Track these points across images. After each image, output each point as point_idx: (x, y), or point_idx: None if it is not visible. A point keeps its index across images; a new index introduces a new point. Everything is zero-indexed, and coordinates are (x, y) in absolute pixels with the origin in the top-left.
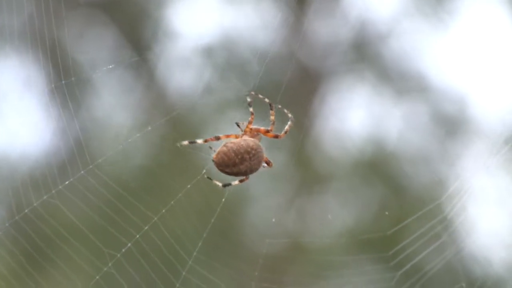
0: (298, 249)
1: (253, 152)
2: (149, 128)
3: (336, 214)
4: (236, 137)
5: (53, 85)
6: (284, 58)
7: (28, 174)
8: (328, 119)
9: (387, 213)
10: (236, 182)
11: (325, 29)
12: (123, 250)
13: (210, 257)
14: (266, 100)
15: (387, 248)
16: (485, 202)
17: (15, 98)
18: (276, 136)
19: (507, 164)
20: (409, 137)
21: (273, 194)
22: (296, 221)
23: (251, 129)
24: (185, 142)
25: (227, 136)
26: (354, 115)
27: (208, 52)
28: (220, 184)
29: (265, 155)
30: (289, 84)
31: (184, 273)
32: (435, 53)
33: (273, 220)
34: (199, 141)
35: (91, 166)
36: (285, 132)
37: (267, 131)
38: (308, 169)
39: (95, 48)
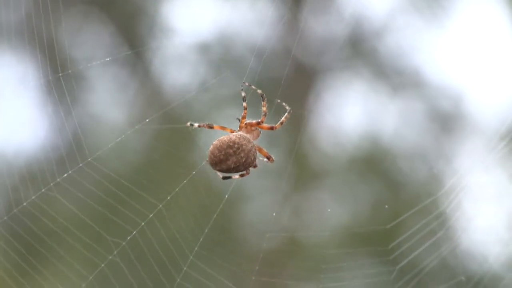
0: (297, 243)
1: (236, 146)
2: (147, 120)
3: (334, 209)
4: (232, 131)
5: (50, 77)
6: (280, 54)
7: (26, 168)
8: (324, 116)
9: (386, 206)
10: (237, 176)
11: (320, 26)
12: (125, 242)
13: (211, 252)
14: (259, 91)
15: (386, 242)
16: (481, 198)
17: (11, 93)
18: (272, 128)
19: (503, 160)
20: (405, 133)
21: (272, 190)
22: (295, 216)
23: (245, 124)
24: (188, 124)
25: (222, 127)
26: (350, 112)
27: (205, 48)
28: (220, 176)
29: (265, 150)
30: (285, 80)
31: (185, 268)
32: (431, 49)
33: (274, 214)
34: (196, 124)
35: (89, 159)
36: (281, 123)
37: (259, 123)
38: (304, 165)
39: (92, 44)
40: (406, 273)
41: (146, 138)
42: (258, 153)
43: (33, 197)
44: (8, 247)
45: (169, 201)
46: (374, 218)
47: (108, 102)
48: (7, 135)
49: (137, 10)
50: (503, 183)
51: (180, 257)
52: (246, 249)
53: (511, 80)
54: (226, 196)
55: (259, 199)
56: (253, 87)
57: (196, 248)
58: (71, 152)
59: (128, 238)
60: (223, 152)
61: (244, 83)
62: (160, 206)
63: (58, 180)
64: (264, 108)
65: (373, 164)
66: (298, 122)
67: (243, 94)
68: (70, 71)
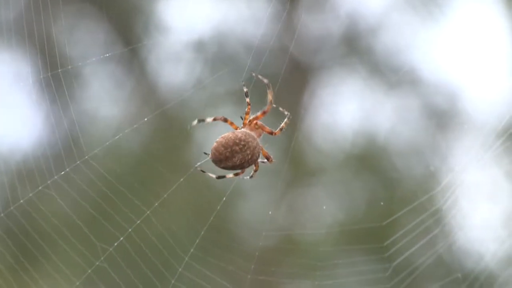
0: (293, 241)
1: (242, 143)
2: (145, 119)
3: (329, 207)
4: (237, 128)
5: (49, 74)
6: (276, 52)
7: (23, 165)
8: (320, 113)
9: (382, 203)
10: (231, 175)
11: (316, 24)
12: (125, 237)
13: (206, 252)
14: (265, 80)
15: (382, 239)
16: (478, 195)
17: (6, 90)
18: (271, 133)
19: (500, 157)
20: (401, 131)
21: (268, 188)
22: (291, 214)
23: (250, 121)
24: (195, 122)
25: (232, 124)
26: (345, 109)
27: (201, 46)
28: (214, 176)
29: (265, 150)
30: (281, 78)
31: (180, 269)
32: (426, 47)
33: (270, 213)
34: (208, 119)
35: (86, 157)
36: (280, 129)
37: (265, 112)
38: (300, 163)
39: (87, 42)
40: (402, 270)
41: (142, 136)
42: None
43: (20, 201)
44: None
45: (165, 199)
46: (370, 215)
47: (103, 99)
48: (3, 132)
49: (133, 8)
50: (500, 181)
51: (174, 258)
52: (242, 248)
53: (507, 77)
54: (224, 198)
55: (254, 197)
56: (259, 76)
57: (192, 250)
58: (65, 152)
59: (121, 238)
60: (229, 149)
61: (251, 73)
62: (157, 204)
63: (48, 182)
64: (270, 97)
65: (369, 161)
66: (294, 120)
67: (245, 89)
68: (61, 70)
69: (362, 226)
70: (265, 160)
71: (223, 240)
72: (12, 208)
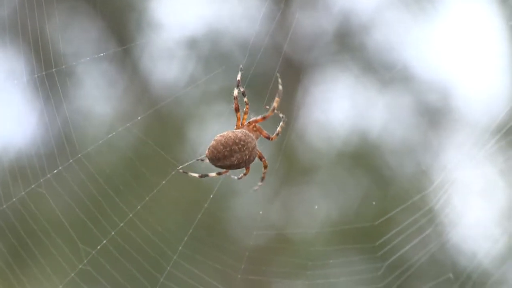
0: (284, 240)
1: (242, 143)
2: (139, 117)
3: (321, 205)
4: (237, 128)
5: (44, 73)
6: (269, 50)
7: (15, 163)
8: (312, 110)
9: (374, 203)
10: (213, 174)
11: (309, 21)
12: (104, 241)
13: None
14: (280, 87)
15: (374, 239)
16: (471, 194)
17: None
18: (268, 137)
19: (493, 156)
20: (394, 128)
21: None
22: (282, 213)
23: (249, 122)
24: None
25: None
26: (338, 106)
27: (194, 44)
28: (196, 175)
29: (260, 151)
30: (275, 76)
31: (168, 268)
32: (419, 44)
33: (261, 212)
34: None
35: (79, 155)
36: (277, 134)
37: (264, 118)
38: (292, 161)
39: (80, 40)
40: (394, 270)
41: (133, 135)
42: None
43: (23, 193)
44: None
45: (155, 197)
46: (362, 214)
47: (96, 97)
48: None
49: (126, 5)
50: (493, 179)
51: (162, 257)
52: (232, 247)
53: (500, 75)
54: (211, 195)
55: (246, 195)
56: (279, 80)
57: (182, 243)
58: (57, 151)
59: (113, 233)
60: (228, 149)
61: (276, 73)
62: (139, 207)
63: (32, 186)
64: (275, 104)
65: (362, 159)
66: (287, 117)
67: (242, 89)
68: (55, 70)
69: (354, 226)
70: (260, 184)
71: (214, 240)
72: (4, 206)
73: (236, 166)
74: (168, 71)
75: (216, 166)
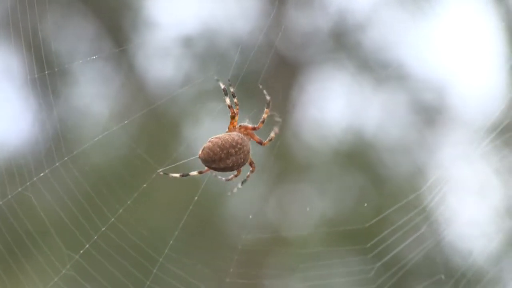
0: (276, 242)
1: (238, 146)
2: (136, 115)
3: (314, 206)
4: (230, 130)
5: (36, 75)
6: (264, 48)
7: (5, 165)
8: (308, 109)
9: (365, 204)
10: (195, 172)
11: (304, 19)
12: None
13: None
14: (267, 97)
15: (365, 240)
16: (466, 192)
17: None
18: (260, 143)
19: (488, 154)
20: (389, 126)
21: (252, 185)
22: (274, 214)
23: (240, 126)
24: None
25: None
26: (333, 104)
27: (188, 42)
28: (177, 175)
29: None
30: (268, 73)
31: (161, 261)
32: (415, 42)
33: (250, 217)
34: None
35: (66, 158)
36: (270, 140)
37: (254, 128)
38: (287, 160)
39: (75, 38)
40: (386, 270)
41: (128, 134)
42: None
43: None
44: None
45: (138, 199)
46: (356, 214)
47: (91, 96)
48: None
49: (122, 4)
50: (488, 178)
51: (151, 257)
52: (221, 249)
53: (496, 73)
54: (196, 198)
55: (238, 194)
56: (264, 91)
57: (168, 246)
58: (52, 150)
59: (96, 237)
60: (225, 151)
61: (259, 85)
62: (121, 210)
63: (35, 179)
64: (265, 115)
65: (357, 157)
66: (282, 116)
67: (231, 89)
68: (56, 69)
69: (347, 227)
70: (239, 187)
71: (204, 240)
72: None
73: (230, 168)
74: (163, 70)
75: (210, 168)
